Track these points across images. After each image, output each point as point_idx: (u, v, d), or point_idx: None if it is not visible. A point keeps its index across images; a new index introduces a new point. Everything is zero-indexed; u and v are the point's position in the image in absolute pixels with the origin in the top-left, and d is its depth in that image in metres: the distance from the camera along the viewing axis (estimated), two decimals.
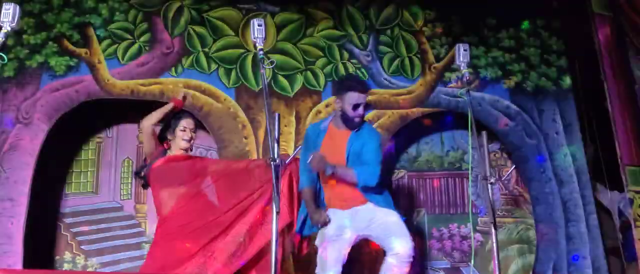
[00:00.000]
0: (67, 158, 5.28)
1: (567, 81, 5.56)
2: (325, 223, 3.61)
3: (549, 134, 5.37)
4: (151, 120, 3.93)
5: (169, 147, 3.99)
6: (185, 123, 3.97)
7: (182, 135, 3.93)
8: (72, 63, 5.10)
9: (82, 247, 5.08)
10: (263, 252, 3.74)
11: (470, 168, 4.51)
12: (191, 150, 4.07)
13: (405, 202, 5.48)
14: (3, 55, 3.11)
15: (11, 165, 4.73)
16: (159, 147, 4.00)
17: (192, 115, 4.18)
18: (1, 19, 3.15)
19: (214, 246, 3.70)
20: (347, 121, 3.71)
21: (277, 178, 3.27)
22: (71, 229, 5.11)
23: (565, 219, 5.15)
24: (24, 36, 5.08)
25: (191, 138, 3.96)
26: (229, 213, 3.79)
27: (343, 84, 3.78)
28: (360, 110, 3.65)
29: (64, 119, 4.98)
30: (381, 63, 5.48)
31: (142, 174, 3.96)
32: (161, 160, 3.90)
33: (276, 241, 3.29)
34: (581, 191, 5.23)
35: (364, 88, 3.71)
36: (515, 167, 5.35)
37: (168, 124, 4.03)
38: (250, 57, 5.33)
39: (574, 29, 5.76)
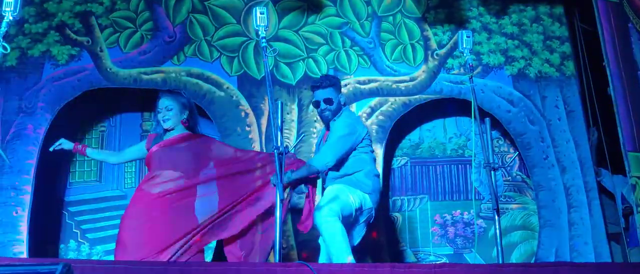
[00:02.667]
0: None
1: (570, 67, 5.54)
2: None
3: (551, 120, 5.36)
4: (112, 159, 4.09)
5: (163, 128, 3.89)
6: (160, 104, 3.80)
7: (160, 117, 3.82)
8: (74, 52, 5.10)
9: (87, 235, 5.12)
10: (247, 228, 3.71)
11: (473, 155, 4.50)
12: (192, 128, 3.87)
13: (407, 189, 5.48)
14: (5, 44, 3.11)
15: (15, 154, 4.75)
16: (150, 136, 3.92)
17: (172, 93, 3.97)
18: (3, 8, 3.15)
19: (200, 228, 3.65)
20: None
21: (280, 166, 3.28)
22: (75, 218, 5.15)
23: (568, 205, 5.16)
24: (26, 25, 5.08)
25: (167, 118, 3.75)
26: (225, 207, 3.73)
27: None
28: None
29: (67, 108, 4.99)
30: (383, 50, 5.47)
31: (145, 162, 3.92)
32: (159, 144, 3.83)
33: (280, 228, 3.30)
34: (584, 177, 5.23)
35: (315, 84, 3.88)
36: (518, 154, 5.34)
37: (155, 108, 3.92)
38: (252, 45, 5.32)
39: (577, 14, 5.73)
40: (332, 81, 3.85)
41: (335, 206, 3.47)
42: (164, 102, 3.81)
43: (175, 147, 3.77)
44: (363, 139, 3.77)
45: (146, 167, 3.90)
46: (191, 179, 3.71)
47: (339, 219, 3.45)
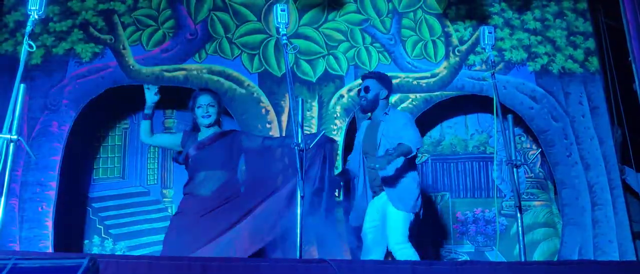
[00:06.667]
0: (94, 144, 5.38)
1: (595, 63, 5.46)
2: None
3: (575, 117, 5.29)
4: (143, 135, 3.89)
5: (199, 126, 3.95)
6: (201, 100, 3.90)
7: (200, 113, 3.89)
8: (97, 50, 5.18)
9: (110, 231, 5.20)
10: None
11: (495, 152, 4.47)
12: (220, 125, 4.01)
13: (428, 186, 5.47)
14: (31, 43, 3.16)
15: (40, 151, 4.82)
16: (185, 134, 3.99)
17: (210, 90, 4.10)
18: (28, 7, 3.21)
19: (241, 225, 3.72)
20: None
21: (301, 163, 3.29)
22: (99, 214, 5.23)
23: (592, 203, 5.09)
24: (50, 24, 5.16)
25: (209, 113, 3.88)
26: (256, 193, 3.80)
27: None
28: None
29: (91, 105, 5.06)
30: (404, 47, 5.45)
31: (180, 161, 3.98)
32: (194, 147, 3.89)
33: (301, 223, 3.31)
34: (608, 174, 5.15)
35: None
36: (540, 151, 5.29)
37: (190, 106, 3.99)
38: (273, 43, 5.34)
39: (601, 10, 5.65)
40: (376, 75, 4.12)
41: (406, 235, 3.75)
42: (206, 99, 3.90)
43: (211, 146, 3.83)
44: None
45: (167, 164, 3.98)
46: (231, 175, 3.81)
47: (410, 244, 3.75)
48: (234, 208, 3.73)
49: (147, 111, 3.87)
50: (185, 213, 3.74)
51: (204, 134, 3.91)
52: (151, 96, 3.84)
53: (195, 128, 3.99)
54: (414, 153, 3.79)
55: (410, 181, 3.86)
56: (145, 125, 3.88)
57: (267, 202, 3.76)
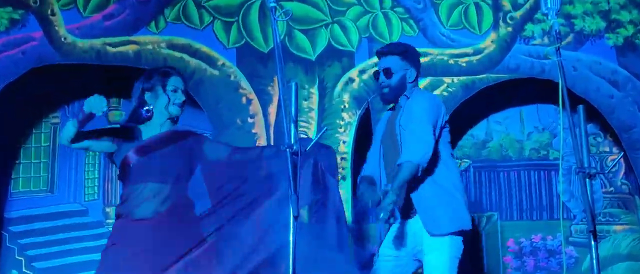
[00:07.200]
0: (12, 145, 5.40)
1: None
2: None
3: None
4: (68, 134, 3.64)
5: (151, 117, 3.90)
6: (177, 82, 3.82)
7: (173, 98, 3.85)
8: (16, 16, 5.20)
9: (34, 264, 5.20)
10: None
11: (560, 157, 4.48)
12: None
13: (470, 204, 5.47)
14: None
15: None
16: (122, 130, 3.94)
17: (181, 74, 4.10)
18: None
19: (202, 258, 3.73)
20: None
21: (294, 171, 3.28)
22: (18, 241, 5.23)
23: None
24: None
25: (184, 102, 3.83)
26: (222, 217, 3.81)
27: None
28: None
29: (8, 92, 5.06)
30: (437, 12, 5.48)
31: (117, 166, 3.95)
32: (137, 148, 3.86)
33: (294, 248, 3.32)
34: None
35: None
36: (623, 155, 5.32)
37: (148, 86, 3.94)
38: (256, 7, 5.37)
39: None
40: (397, 48, 3.88)
41: None
42: (179, 82, 3.85)
43: (160, 152, 3.80)
44: (446, 122, 3.77)
45: (112, 173, 3.95)
46: (181, 192, 3.76)
47: None
48: (189, 240, 3.73)
49: (82, 116, 3.74)
50: (119, 247, 3.71)
51: (152, 130, 3.87)
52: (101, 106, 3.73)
53: (135, 119, 3.91)
54: (422, 169, 3.57)
55: (446, 190, 3.72)
56: (71, 126, 3.74)
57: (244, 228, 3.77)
